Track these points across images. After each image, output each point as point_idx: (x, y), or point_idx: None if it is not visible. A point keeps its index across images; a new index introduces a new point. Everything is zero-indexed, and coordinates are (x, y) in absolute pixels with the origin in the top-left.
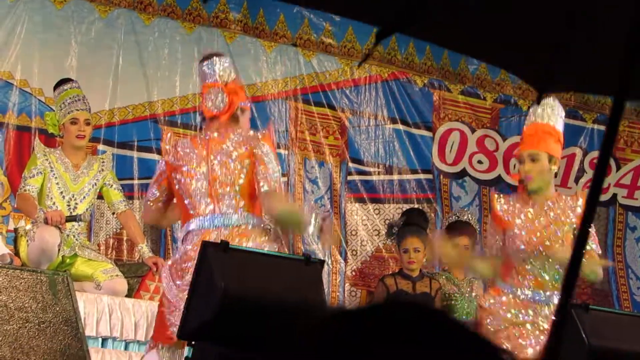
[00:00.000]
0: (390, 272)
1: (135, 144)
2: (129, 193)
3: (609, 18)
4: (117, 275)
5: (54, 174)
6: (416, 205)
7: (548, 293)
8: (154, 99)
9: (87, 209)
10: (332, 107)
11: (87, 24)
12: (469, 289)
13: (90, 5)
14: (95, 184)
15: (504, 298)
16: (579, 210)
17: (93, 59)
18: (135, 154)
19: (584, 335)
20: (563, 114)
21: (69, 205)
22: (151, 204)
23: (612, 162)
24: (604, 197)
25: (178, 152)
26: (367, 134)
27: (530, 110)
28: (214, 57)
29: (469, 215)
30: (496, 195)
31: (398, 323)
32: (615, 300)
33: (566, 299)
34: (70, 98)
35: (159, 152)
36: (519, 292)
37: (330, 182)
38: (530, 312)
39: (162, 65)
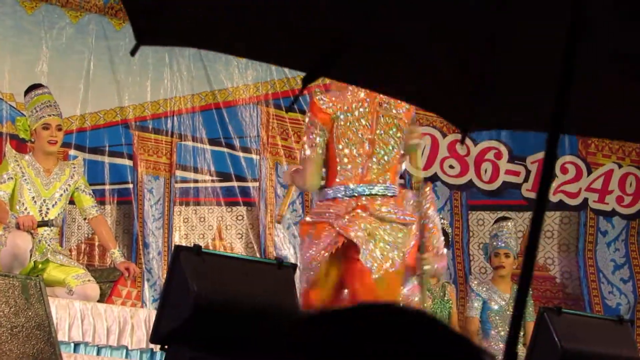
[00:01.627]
0: None
1: (107, 149)
2: (100, 198)
3: (533, 51)
4: (89, 281)
5: (25, 179)
6: None
7: None
8: (125, 104)
9: (58, 214)
10: (303, 112)
11: (57, 29)
12: (441, 294)
13: (61, 11)
14: (67, 189)
15: None
16: None
17: (64, 64)
18: (106, 159)
19: (556, 339)
20: None
21: (40, 211)
22: None
23: (584, 167)
24: (575, 202)
25: None
26: None
27: None
28: None
29: (443, 220)
30: None
31: (388, 323)
32: (587, 305)
33: (522, 301)
34: (42, 103)
35: (130, 157)
36: None
37: None
38: None
39: (133, 71)
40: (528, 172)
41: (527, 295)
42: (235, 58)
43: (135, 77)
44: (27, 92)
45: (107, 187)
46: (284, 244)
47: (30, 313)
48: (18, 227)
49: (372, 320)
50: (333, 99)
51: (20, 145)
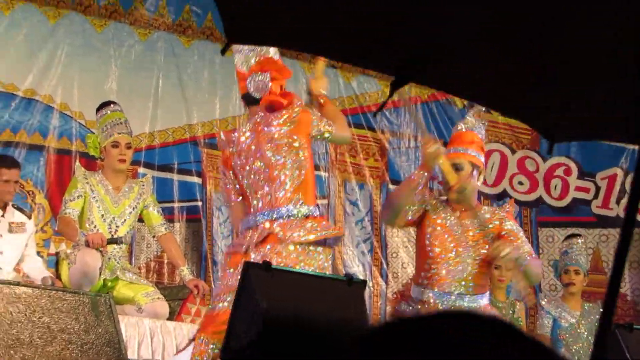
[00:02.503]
0: None
1: (176, 166)
2: (169, 216)
3: (622, 62)
4: (158, 298)
5: (94, 197)
6: None
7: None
8: (194, 122)
9: (127, 232)
10: (372, 129)
11: (127, 47)
12: (510, 311)
13: (130, 29)
14: (136, 207)
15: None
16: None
17: (133, 82)
18: (175, 177)
19: (627, 355)
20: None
21: (110, 228)
22: None
23: None
24: None
25: None
26: (407, 156)
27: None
28: None
29: None
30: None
31: (457, 335)
32: None
33: (607, 320)
34: (112, 121)
35: (199, 174)
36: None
37: (370, 204)
38: None
39: (201, 88)
40: (598, 188)
41: (614, 310)
42: (303, 75)
43: (204, 95)
44: (98, 109)
45: (176, 204)
46: (353, 262)
47: (100, 330)
48: (87, 244)
49: (438, 333)
50: (232, 135)
51: (90, 163)
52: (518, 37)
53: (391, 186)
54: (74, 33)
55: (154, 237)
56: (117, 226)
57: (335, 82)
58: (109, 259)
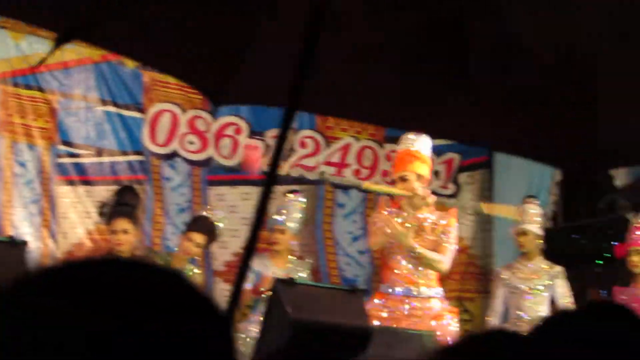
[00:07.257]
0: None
1: None
2: None
3: None
4: None
5: None
6: None
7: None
8: None
9: None
10: (41, 90)
11: None
12: None
13: None
14: None
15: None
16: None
17: None
18: None
19: None
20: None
21: None
22: None
23: (321, 140)
24: (312, 176)
25: None
26: (77, 117)
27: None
28: None
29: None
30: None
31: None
32: (325, 276)
33: None
34: None
35: None
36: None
37: (40, 165)
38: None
39: None
40: (267, 146)
41: None
42: None
43: None
44: None
45: None
46: (22, 224)
47: None
48: None
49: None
50: None
51: None
52: None
53: (61, 147)
54: None
55: None
56: None
57: (4, 42)
58: None
